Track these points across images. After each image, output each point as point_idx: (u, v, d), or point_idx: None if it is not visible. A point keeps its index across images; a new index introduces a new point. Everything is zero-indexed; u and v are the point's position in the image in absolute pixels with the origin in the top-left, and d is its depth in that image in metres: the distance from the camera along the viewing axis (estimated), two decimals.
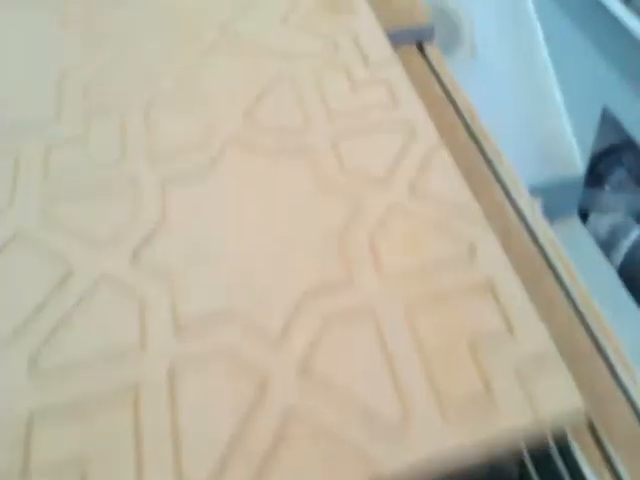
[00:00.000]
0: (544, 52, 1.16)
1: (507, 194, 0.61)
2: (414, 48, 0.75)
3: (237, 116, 0.56)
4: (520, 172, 0.70)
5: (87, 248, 0.47)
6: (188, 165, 0.52)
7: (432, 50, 0.74)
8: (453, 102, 0.68)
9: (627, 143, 1.08)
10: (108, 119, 0.57)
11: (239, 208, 0.49)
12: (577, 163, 1.14)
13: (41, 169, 0.53)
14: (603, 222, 1.16)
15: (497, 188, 0.61)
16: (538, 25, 1.17)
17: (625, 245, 1.11)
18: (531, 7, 1.18)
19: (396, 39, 0.72)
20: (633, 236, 1.10)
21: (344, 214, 0.47)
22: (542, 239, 0.56)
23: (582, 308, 0.50)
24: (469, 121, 0.66)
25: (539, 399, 0.37)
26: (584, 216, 1.15)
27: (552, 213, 0.99)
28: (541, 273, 0.53)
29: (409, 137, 0.53)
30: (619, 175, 1.16)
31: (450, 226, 0.45)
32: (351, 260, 0.43)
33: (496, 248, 0.45)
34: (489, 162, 0.63)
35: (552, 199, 1.01)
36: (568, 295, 0.51)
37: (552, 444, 0.40)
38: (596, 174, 1.15)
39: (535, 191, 0.96)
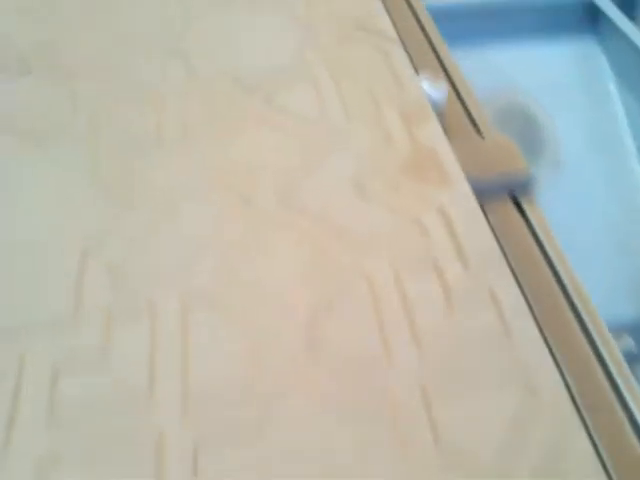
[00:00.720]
0: (637, 167, 1.01)
1: None
2: (508, 202, 0.61)
3: (296, 338, 0.42)
4: (609, 305, 0.56)
5: None
6: (231, 419, 0.38)
7: (531, 208, 0.60)
8: (560, 282, 0.54)
9: None
10: (133, 324, 0.44)
11: None
12: None
13: (45, 400, 0.40)
14: None
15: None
16: (630, 137, 1.03)
17: None
18: (623, 118, 1.04)
19: (485, 189, 0.58)
20: None
21: None
22: None
23: None
24: (581, 311, 0.51)
25: None
26: None
27: None
28: None
29: (528, 394, 0.38)
30: None
31: None
32: None
33: None
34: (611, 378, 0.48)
35: None
36: None
37: None
38: None
39: (624, 328, 0.80)
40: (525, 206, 0.60)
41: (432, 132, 0.57)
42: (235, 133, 0.57)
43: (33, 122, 0.59)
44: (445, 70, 0.72)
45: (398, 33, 0.71)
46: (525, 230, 0.57)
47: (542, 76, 1.12)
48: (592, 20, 1.13)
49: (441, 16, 0.90)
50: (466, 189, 0.52)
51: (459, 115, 0.67)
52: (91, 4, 0.72)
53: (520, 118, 1.13)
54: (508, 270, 0.45)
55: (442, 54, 0.73)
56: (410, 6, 0.80)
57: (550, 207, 0.61)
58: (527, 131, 1.11)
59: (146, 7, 0.71)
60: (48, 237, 0.49)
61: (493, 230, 0.53)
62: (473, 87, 0.75)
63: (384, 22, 0.70)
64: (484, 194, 0.57)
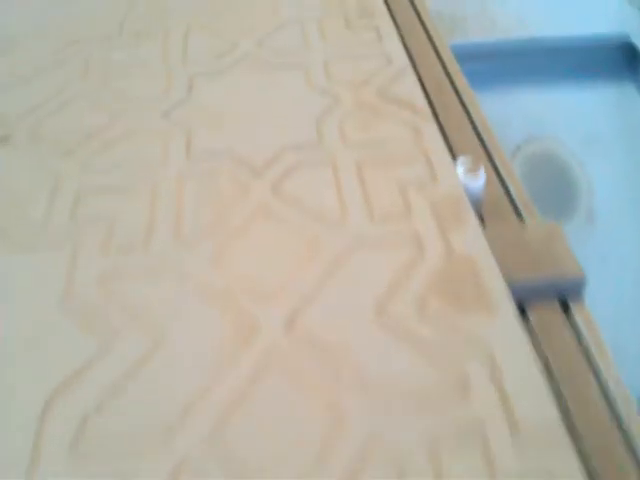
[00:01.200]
0: None
1: None
2: (556, 307, 0.51)
3: None
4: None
5: None
6: None
7: (581, 313, 0.49)
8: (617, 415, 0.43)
9: None
10: None
11: None
12: None
13: None
14: None
15: None
16: None
17: None
18: None
19: (530, 291, 0.48)
20: None
21: None
22: None
23: None
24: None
25: None
26: None
27: None
28: None
29: None
30: None
31: None
32: None
33: None
34: None
35: None
36: None
37: None
38: None
39: None
40: (577, 316, 0.49)
41: (470, 237, 0.46)
42: (236, 235, 0.47)
43: (2, 213, 0.49)
44: (481, 140, 0.62)
45: (428, 99, 0.61)
46: (580, 357, 0.47)
47: (576, 122, 1.02)
48: (631, 63, 1.03)
49: (468, 56, 0.81)
50: (513, 318, 0.42)
51: (498, 197, 0.57)
52: (87, 71, 0.62)
53: (552, 168, 1.03)
54: (571, 449, 0.35)
55: (478, 121, 0.62)
56: (442, 62, 0.70)
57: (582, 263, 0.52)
58: (559, 181, 1.01)
59: (147, 76, 0.61)
60: (6, 380, 0.39)
61: (544, 355, 0.44)
62: (502, 133, 0.66)
63: (413, 88, 0.60)
64: (528, 297, 0.48)
